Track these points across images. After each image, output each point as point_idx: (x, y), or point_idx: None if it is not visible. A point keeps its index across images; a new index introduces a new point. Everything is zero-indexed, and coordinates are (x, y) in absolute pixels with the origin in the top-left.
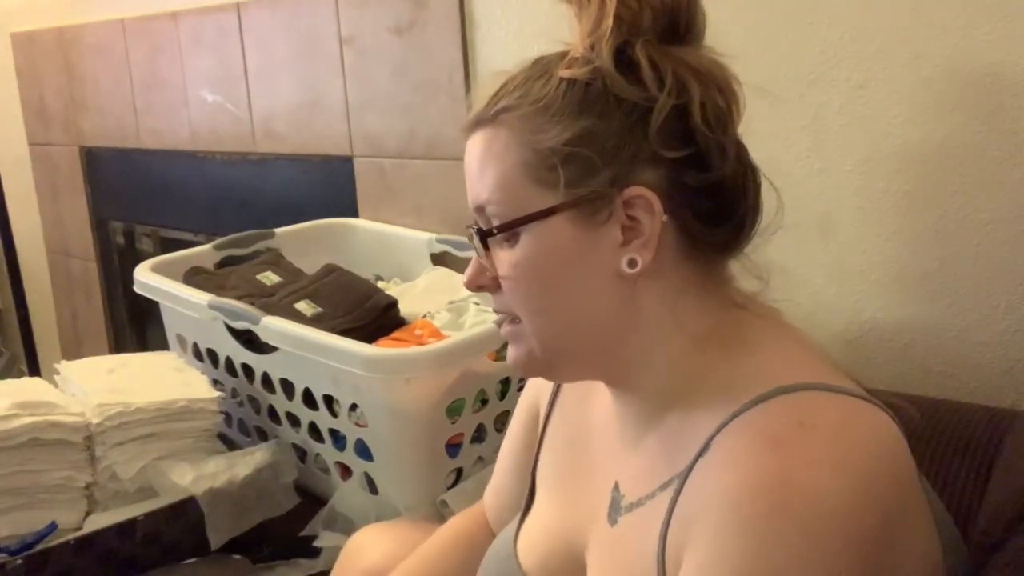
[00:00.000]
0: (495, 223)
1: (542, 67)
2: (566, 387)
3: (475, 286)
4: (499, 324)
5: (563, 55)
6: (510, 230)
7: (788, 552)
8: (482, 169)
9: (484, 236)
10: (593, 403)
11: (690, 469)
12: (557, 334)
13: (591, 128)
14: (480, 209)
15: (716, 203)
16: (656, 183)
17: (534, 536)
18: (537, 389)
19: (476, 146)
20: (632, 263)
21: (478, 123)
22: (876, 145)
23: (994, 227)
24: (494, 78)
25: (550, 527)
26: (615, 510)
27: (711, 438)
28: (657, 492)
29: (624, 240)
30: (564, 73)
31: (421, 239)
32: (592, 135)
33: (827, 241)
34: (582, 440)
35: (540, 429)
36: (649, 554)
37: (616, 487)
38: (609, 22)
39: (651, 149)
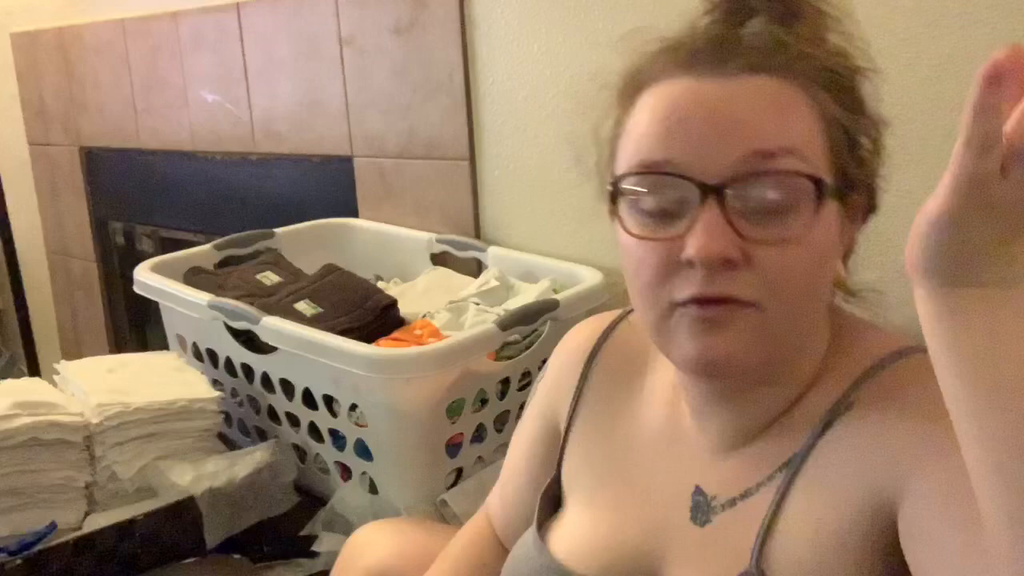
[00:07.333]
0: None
1: (812, 29)
2: (588, 394)
3: (722, 258)
4: (705, 307)
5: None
6: (841, 192)
7: None
8: (782, 114)
9: (821, 187)
10: (630, 411)
11: (809, 448)
12: (802, 322)
13: (873, 115)
14: (771, 155)
15: None
16: None
17: (581, 545)
18: (550, 397)
19: (758, 90)
20: (848, 251)
21: (758, 68)
22: None
23: None
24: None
25: (604, 538)
26: (701, 512)
27: (835, 411)
28: (760, 486)
29: (841, 228)
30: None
31: (421, 239)
32: (872, 121)
33: None
34: (623, 448)
35: (562, 437)
36: (746, 549)
37: (698, 491)
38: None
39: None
